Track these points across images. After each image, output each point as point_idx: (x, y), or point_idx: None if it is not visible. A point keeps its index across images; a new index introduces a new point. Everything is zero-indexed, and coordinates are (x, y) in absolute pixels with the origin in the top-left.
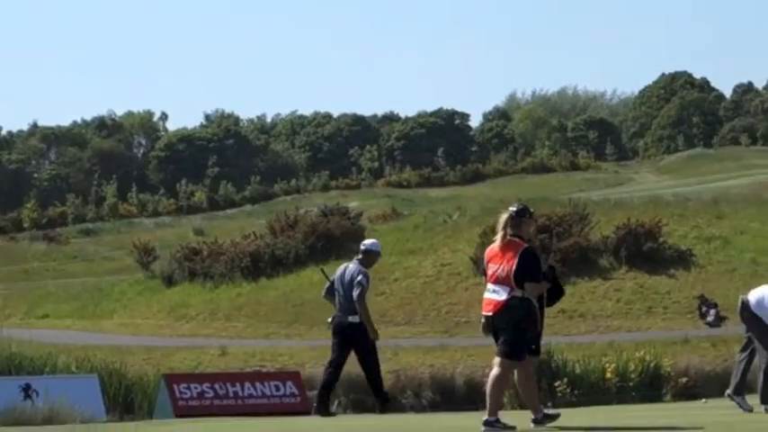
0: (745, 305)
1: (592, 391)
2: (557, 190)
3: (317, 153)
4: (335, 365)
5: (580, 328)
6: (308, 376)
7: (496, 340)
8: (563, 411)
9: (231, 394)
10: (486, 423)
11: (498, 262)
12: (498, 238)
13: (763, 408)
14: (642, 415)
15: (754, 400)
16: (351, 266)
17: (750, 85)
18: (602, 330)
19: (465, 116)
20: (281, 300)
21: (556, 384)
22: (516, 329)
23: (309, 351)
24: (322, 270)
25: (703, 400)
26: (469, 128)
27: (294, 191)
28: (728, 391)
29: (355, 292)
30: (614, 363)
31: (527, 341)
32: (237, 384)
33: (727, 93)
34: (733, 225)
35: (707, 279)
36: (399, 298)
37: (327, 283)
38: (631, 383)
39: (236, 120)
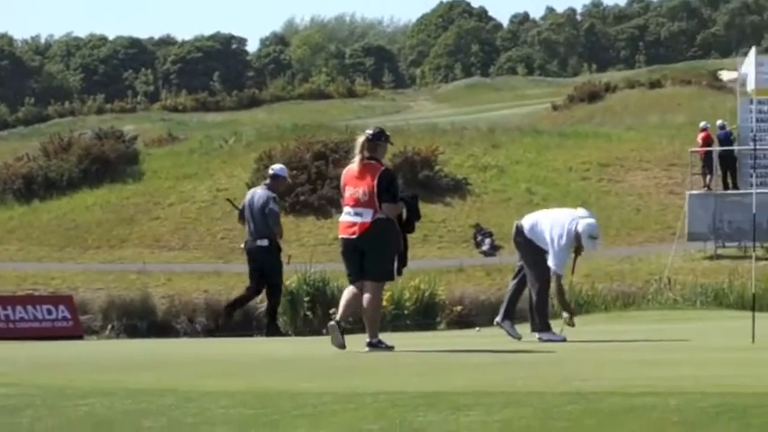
0: (519, 230)
1: None
2: (334, 117)
3: (93, 75)
4: (255, 291)
5: None
6: (80, 300)
7: (354, 264)
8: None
9: (2, 317)
10: (370, 345)
11: (356, 185)
12: (356, 161)
13: (536, 336)
14: (416, 343)
15: (524, 328)
16: (259, 192)
17: (526, 15)
18: None
19: (242, 41)
20: (53, 223)
21: (331, 312)
22: (383, 251)
23: (82, 275)
24: (229, 200)
25: (477, 328)
26: (246, 53)
27: (69, 113)
28: (497, 319)
29: (270, 221)
30: (389, 291)
31: (392, 262)
32: (9, 308)
33: (505, 22)
34: (508, 154)
35: (482, 208)
36: (174, 223)
37: (237, 211)
38: (406, 311)
39: (10, 40)
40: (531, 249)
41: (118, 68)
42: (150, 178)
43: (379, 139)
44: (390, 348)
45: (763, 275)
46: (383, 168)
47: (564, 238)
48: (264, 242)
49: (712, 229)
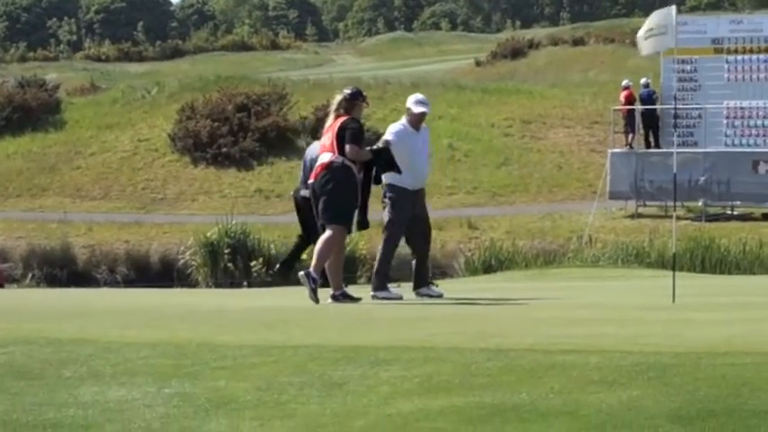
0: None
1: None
2: (256, 69)
3: (15, 24)
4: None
5: (277, 209)
6: (0, 248)
7: (317, 209)
8: (259, 291)
9: None
10: (333, 297)
11: (326, 133)
12: (330, 117)
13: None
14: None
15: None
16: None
17: None
18: None
19: None
20: None
21: (252, 264)
22: (333, 193)
23: (2, 223)
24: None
25: (397, 283)
26: (170, 3)
27: None
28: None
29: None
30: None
31: (348, 207)
32: None
33: None
34: (431, 110)
35: None
36: (96, 173)
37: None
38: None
39: None
40: None
41: (41, 17)
42: (72, 128)
43: (356, 99)
44: (356, 300)
45: (683, 235)
46: (346, 119)
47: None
48: (306, 193)
49: (634, 188)
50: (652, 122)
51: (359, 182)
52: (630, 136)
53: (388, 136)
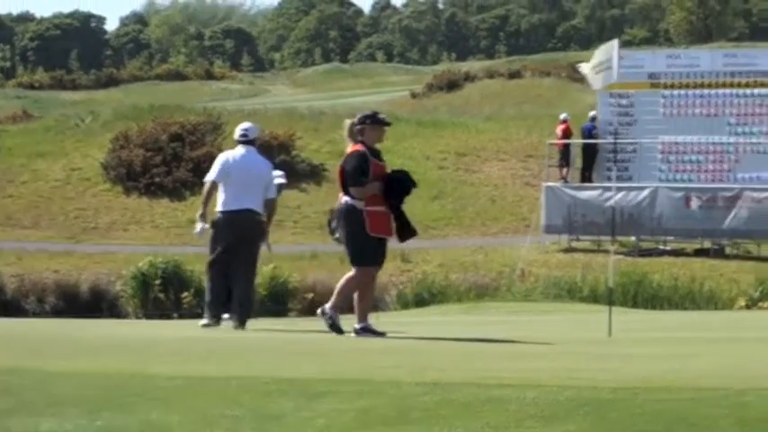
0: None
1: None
2: (191, 98)
3: None
4: None
5: (208, 239)
6: None
7: None
8: (190, 323)
9: None
10: (355, 331)
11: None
12: (348, 147)
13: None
14: (269, 328)
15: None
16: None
17: (388, 2)
18: None
19: (101, 19)
20: None
21: (183, 296)
22: (346, 237)
23: None
24: None
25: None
26: (105, 31)
27: None
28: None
29: None
30: None
31: (361, 248)
32: None
33: (366, 9)
34: None
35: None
36: (27, 201)
37: None
38: (258, 297)
39: None
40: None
41: None
42: (4, 156)
43: (363, 123)
44: (380, 335)
45: (616, 270)
46: (348, 153)
47: None
48: None
49: (567, 222)
50: (592, 157)
51: (367, 214)
52: (565, 170)
53: (271, 173)
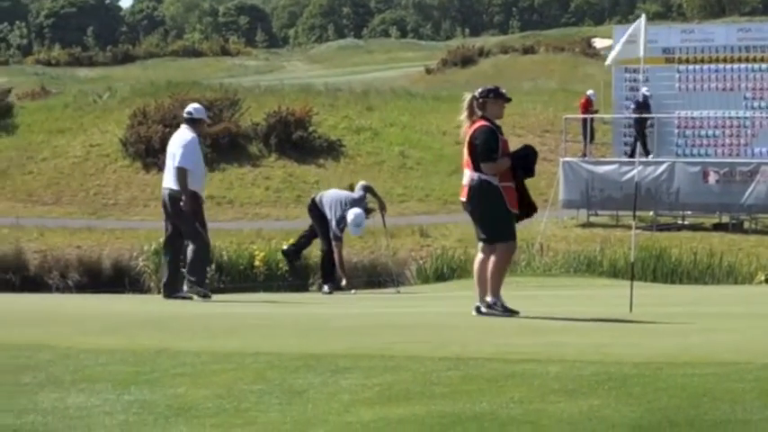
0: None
1: (240, 278)
2: (207, 75)
3: None
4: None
5: (228, 215)
6: None
7: (474, 223)
8: (213, 298)
9: None
10: (482, 307)
11: (463, 145)
12: (464, 123)
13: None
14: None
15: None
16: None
17: None
18: (251, 218)
19: None
20: None
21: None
22: (484, 213)
23: None
24: None
25: (353, 290)
26: (120, 8)
27: None
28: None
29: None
30: (263, 251)
31: (503, 222)
32: None
33: None
34: (382, 117)
35: (356, 170)
36: (47, 178)
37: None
38: (279, 272)
39: None
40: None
41: None
42: (24, 132)
43: (486, 97)
44: (514, 313)
45: (636, 244)
46: (475, 128)
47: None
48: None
49: (585, 197)
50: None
51: (502, 189)
52: (585, 144)
53: (181, 145)
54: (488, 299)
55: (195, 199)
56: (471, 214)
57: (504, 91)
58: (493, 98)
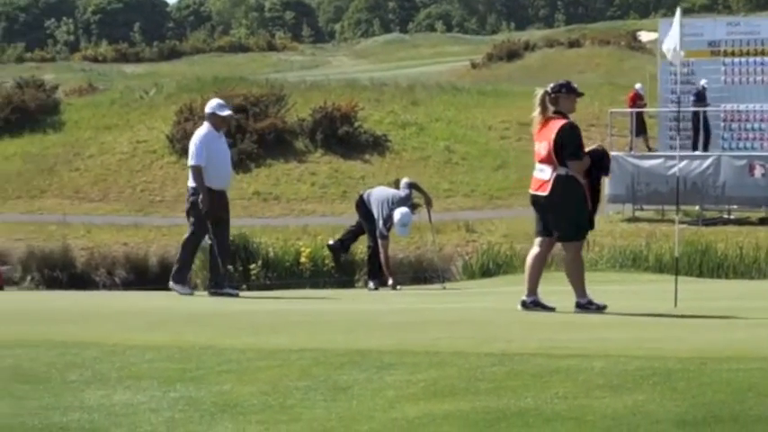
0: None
1: (286, 274)
2: (253, 70)
3: (13, 24)
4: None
5: (274, 211)
6: None
7: (539, 219)
8: (258, 294)
9: None
10: (578, 305)
11: (540, 140)
12: (537, 118)
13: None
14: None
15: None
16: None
17: None
18: (297, 214)
19: None
20: None
21: (250, 267)
22: (563, 210)
23: (1, 225)
24: None
25: (398, 286)
26: (166, 4)
27: None
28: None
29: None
30: (309, 247)
31: (582, 221)
32: None
33: None
34: (428, 112)
35: (401, 165)
36: (94, 174)
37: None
38: (325, 269)
39: None
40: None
41: (38, 17)
42: (71, 129)
43: (558, 92)
44: (602, 308)
45: (681, 239)
46: (562, 124)
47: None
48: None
49: (631, 192)
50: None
51: (585, 188)
52: (632, 139)
53: (192, 143)
54: (579, 300)
55: (212, 196)
56: (547, 209)
57: (575, 85)
58: (565, 93)
